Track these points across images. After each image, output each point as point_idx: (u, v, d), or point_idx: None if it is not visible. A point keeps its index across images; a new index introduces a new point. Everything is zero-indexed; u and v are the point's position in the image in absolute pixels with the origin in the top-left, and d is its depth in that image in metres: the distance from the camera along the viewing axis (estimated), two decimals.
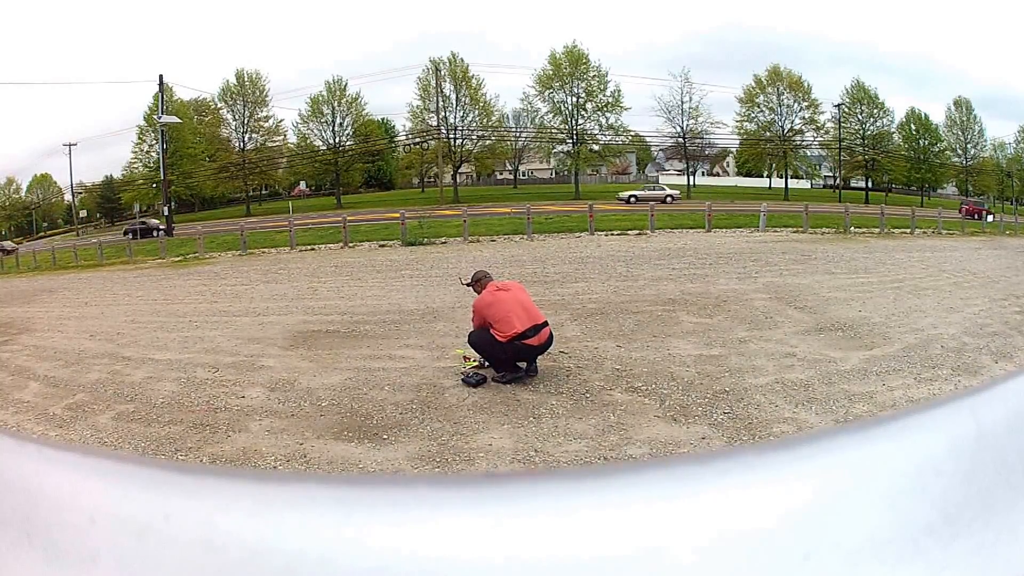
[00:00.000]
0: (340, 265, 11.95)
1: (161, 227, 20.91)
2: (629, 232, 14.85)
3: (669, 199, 21.59)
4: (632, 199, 21.32)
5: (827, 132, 25.35)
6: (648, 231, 14.83)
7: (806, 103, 25.04)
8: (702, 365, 5.01)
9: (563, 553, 0.30)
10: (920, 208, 20.65)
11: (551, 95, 24.92)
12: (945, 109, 25.11)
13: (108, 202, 25.32)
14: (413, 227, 15.09)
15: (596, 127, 25.11)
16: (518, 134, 26.47)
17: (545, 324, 4.66)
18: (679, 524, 0.31)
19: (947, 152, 25.27)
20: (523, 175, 27.99)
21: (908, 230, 16.92)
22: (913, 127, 25.30)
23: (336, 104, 25.13)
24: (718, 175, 28.23)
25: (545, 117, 25.36)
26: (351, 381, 4.93)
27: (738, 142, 26.48)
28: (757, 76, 25.18)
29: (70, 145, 22.90)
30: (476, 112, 25.21)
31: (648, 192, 22.23)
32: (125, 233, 20.87)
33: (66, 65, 25.31)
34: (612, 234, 14.74)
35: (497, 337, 4.53)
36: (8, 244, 22.44)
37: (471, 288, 5.03)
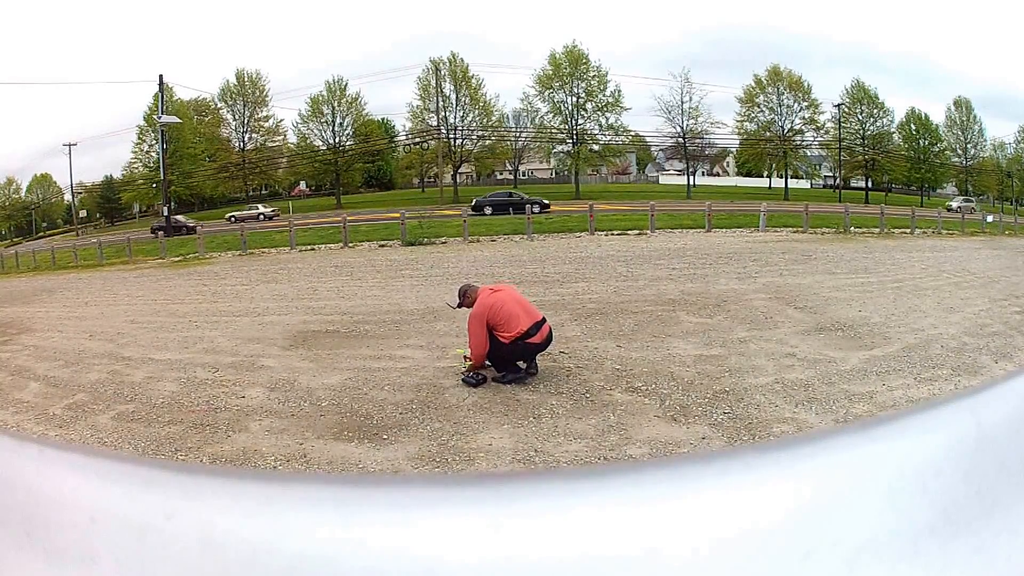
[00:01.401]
0: (340, 265, 11.95)
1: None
2: (629, 232, 14.85)
3: (262, 217, 21.89)
4: (232, 219, 21.39)
5: (827, 132, 25.33)
6: (648, 231, 14.83)
7: (806, 103, 25.01)
8: (702, 365, 5.01)
9: (563, 553, 0.30)
10: (920, 208, 20.65)
11: (551, 95, 24.90)
12: (945, 109, 25.08)
13: (108, 202, 25.29)
14: (413, 227, 15.09)
15: (596, 127, 25.08)
16: (518, 134, 26.47)
17: (544, 321, 4.66)
18: (679, 524, 0.31)
19: (947, 152, 25.26)
20: (523, 175, 27.96)
21: (908, 230, 16.92)
22: (913, 127, 25.28)
23: (336, 104, 25.10)
24: (718, 175, 28.20)
25: (545, 117, 25.34)
26: (351, 381, 4.93)
27: (738, 142, 26.45)
28: (757, 76, 25.14)
29: (70, 145, 22.85)
30: (476, 112, 25.21)
31: (245, 212, 22.52)
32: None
33: (66, 65, 25.24)
34: (612, 234, 14.74)
35: (501, 339, 4.52)
36: (184, 219, 21.17)
37: (462, 306, 4.83)
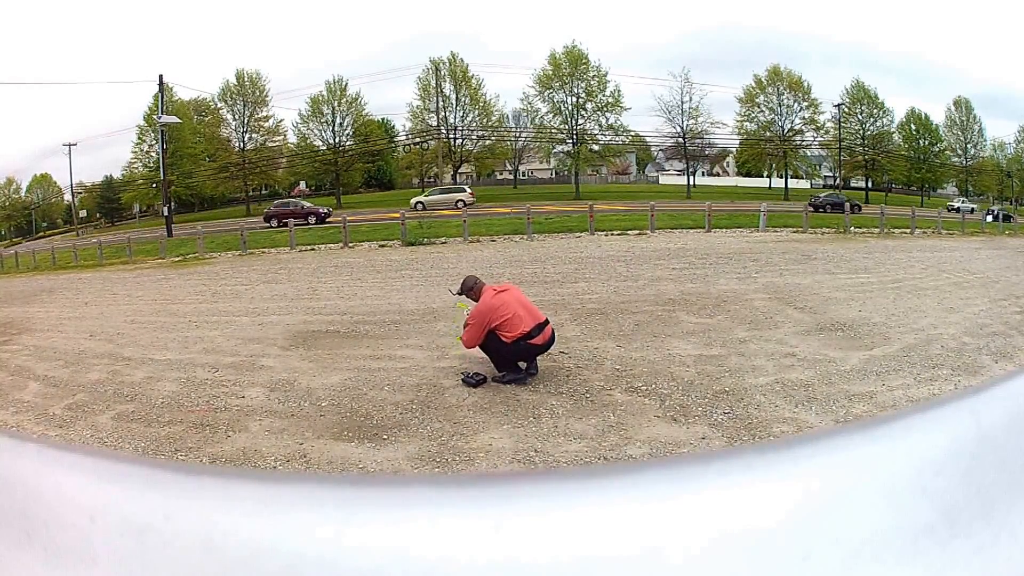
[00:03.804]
0: (340, 265, 11.95)
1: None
2: (629, 232, 14.85)
3: None
4: None
5: (827, 132, 25.36)
6: (648, 231, 14.83)
7: (806, 103, 25.05)
8: (702, 365, 5.01)
9: (563, 553, 0.30)
10: (920, 208, 20.64)
11: (551, 95, 24.93)
12: (945, 109, 25.14)
13: (108, 202, 25.32)
14: (413, 227, 15.10)
15: (596, 127, 25.12)
16: (518, 134, 26.49)
17: (547, 322, 4.66)
18: (679, 524, 0.31)
19: (947, 152, 25.29)
20: (523, 175, 27.98)
21: (908, 230, 16.93)
22: (913, 127, 25.32)
23: (336, 104, 25.13)
24: (718, 175, 28.23)
25: (545, 117, 25.37)
26: (351, 381, 4.93)
27: (738, 142, 26.49)
28: (757, 76, 25.19)
29: (70, 145, 22.90)
30: (476, 112, 25.24)
31: None
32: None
33: (66, 65, 25.31)
34: (612, 234, 14.74)
35: (502, 339, 4.52)
36: (323, 208, 20.21)
37: (463, 297, 4.81)
